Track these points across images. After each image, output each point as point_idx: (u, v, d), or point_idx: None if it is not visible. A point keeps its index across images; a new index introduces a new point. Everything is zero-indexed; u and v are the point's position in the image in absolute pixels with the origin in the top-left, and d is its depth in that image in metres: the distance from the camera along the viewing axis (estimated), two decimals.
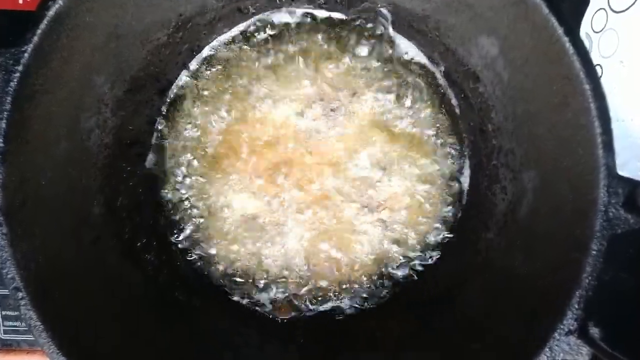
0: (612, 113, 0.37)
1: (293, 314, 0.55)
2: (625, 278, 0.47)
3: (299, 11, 0.54)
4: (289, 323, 0.55)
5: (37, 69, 0.38)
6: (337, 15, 0.54)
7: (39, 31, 0.37)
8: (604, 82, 0.50)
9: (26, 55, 0.37)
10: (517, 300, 0.42)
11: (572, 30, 0.36)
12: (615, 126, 0.37)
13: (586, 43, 0.54)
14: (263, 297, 0.55)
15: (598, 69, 0.53)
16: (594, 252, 0.36)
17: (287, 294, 0.55)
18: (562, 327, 0.36)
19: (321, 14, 0.55)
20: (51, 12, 0.37)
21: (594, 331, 0.36)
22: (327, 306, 0.55)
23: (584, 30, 0.55)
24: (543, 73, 0.39)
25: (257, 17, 0.54)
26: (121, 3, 0.43)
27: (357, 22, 0.54)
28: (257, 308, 0.55)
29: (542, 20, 0.37)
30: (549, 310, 0.37)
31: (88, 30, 0.41)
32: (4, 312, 0.59)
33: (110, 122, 0.47)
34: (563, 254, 0.38)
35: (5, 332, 0.59)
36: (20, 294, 0.37)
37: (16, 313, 0.59)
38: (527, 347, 0.37)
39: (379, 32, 0.54)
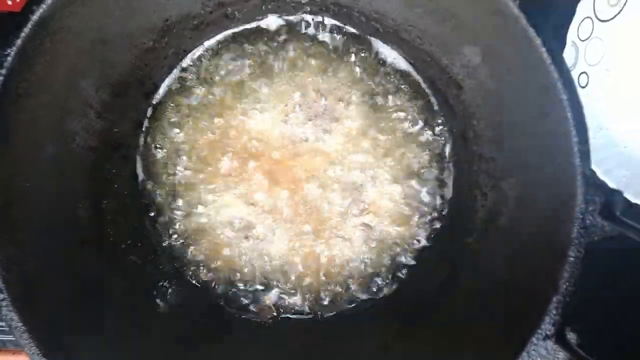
0: (598, 121, 0.37)
1: (274, 314, 0.55)
2: (602, 284, 0.47)
3: (287, 18, 0.55)
4: (275, 325, 0.55)
5: (21, 72, 0.38)
6: (325, 21, 0.55)
7: (22, 34, 0.37)
8: (590, 90, 0.51)
9: (9, 58, 0.37)
10: (497, 305, 0.42)
11: (550, 41, 0.37)
12: (600, 134, 0.37)
13: (572, 51, 0.55)
14: (248, 300, 0.55)
15: (584, 77, 0.53)
16: (572, 259, 0.37)
17: (272, 297, 0.55)
18: (539, 332, 0.36)
19: (308, 18, 0.55)
20: (35, 16, 0.37)
21: (571, 336, 0.37)
22: (311, 309, 0.55)
23: (571, 38, 0.56)
24: (523, 82, 0.40)
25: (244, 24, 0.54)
26: (106, 8, 0.43)
27: (343, 30, 0.55)
28: (241, 311, 0.55)
29: (521, 30, 0.37)
30: (527, 315, 0.38)
31: (73, 34, 0.41)
32: None
33: (96, 125, 0.48)
34: (541, 260, 0.39)
35: None
36: (1, 295, 0.37)
37: None
38: (505, 351, 0.38)
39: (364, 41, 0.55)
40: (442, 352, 0.44)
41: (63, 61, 0.41)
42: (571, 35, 0.56)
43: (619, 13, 0.50)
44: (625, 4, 0.50)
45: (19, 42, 0.37)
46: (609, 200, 0.37)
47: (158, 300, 0.51)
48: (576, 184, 0.36)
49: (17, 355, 0.59)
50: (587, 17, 0.54)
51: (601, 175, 0.37)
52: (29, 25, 0.37)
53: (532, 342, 0.36)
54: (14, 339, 0.58)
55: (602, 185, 0.37)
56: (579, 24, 0.55)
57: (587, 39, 0.54)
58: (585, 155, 0.36)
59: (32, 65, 0.39)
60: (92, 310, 0.44)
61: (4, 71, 0.37)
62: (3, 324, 0.58)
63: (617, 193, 0.37)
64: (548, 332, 0.36)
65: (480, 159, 0.49)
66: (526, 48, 0.38)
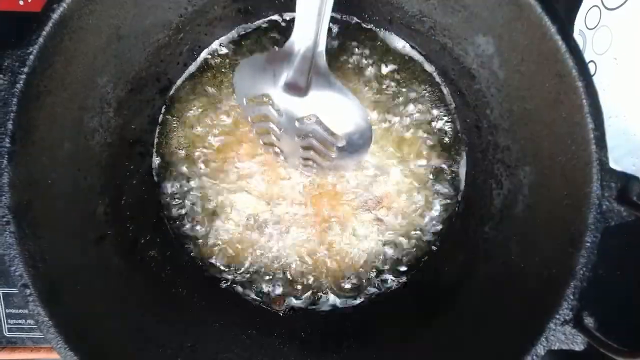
0: (606, 109, 0.37)
1: (286, 305, 0.56)
2: (619, 268, 0.48)
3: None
4: (290, 317, 0.56)
5: (42, 70, 0.38)
6: (337, 13, 0.55)
7: (43, 33, 0.37)
8: (598, 79, 0.51)
9: (31, 57, 0.37)
10: (514, 292, 0.43)
11: (565, 28, 0.37)
12: (609, 122, 0.38)
13: (580, 40, 0.55)
14: (264, 292, 0.56)
15: (592, 65, 0.54)
16: (588, 245, 0.37)
17: (286, 289, 0.56)
18: (557, 317, 0.37)
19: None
20: (55, 15, 0.38)
21: (589, 321, 0.37)
22: (330, 301, 0.56)
23: (578, 27, 0.56)
24: (537, 71, 0.40)
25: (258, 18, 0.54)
26: (122, 5, 0.43)
27: (354, 22, 0.55)
28: (258, 303, 0.56)
29: (536, 19, 0.37)
30: (545, 300, 0.38)
31: (91, 32, 0.41)
32: (7, 310, 0.59)
33: (113, 121, 0.48)
34: (558, 246, 0.39)
35: (9, 330, 0.59)
36: (28, 291, 0.37)
37: (20, 311, 0.59)
38: (524, 337, 0.38)
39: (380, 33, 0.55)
40: (461, 340, 0.45)
41: (81, 59, 0.42)
42: (578, 23, 0.56)
43: (626, 1, 0.51)
44: None
45: (40, 40, 0.37)
46: (625, 185, 0.37)
47: (179, 290, 0.51)
48: (592, 170, 0.37)
49: (35, 352, 0.60)
50: (595, 6, 0.54)
51: (611, 163, 0.38)
52: (50, 24, 0.37)
53: (550, 328, 0.37)
54: (32, 336, 0.59)
55: (618, 171, 0.37)
56: (587, 13, 0.55)
57: (594, 27, 0.54)
58: (601, 141, 0.37)
59: (52, 64, 0.39)
60: (115, 303, 0.45)
61: (26, 69, 0.37)
62: (22, 321, 0.60)
63: (634, 178, 0.37)
64: (566, 317, 0.37)
65: (495, 148, 0.49)
66: (540, 36, 0.38)
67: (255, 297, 0.56)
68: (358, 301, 0.56)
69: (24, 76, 0.37)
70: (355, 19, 0.55)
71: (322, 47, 0.38)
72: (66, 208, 0.43)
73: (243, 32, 0.55)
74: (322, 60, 0.38)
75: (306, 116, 0.41)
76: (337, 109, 0.40)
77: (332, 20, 0.55)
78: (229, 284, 0.56)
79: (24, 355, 0.60)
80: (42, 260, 0.39)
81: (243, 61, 0.42)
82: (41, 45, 0.37)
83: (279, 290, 0.56)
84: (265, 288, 0.56)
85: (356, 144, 0.43)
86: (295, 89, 0.39)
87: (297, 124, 0.42)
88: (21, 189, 0.38)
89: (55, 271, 0.40)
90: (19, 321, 0.59)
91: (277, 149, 0.48)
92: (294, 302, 0.56)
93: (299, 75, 0.38)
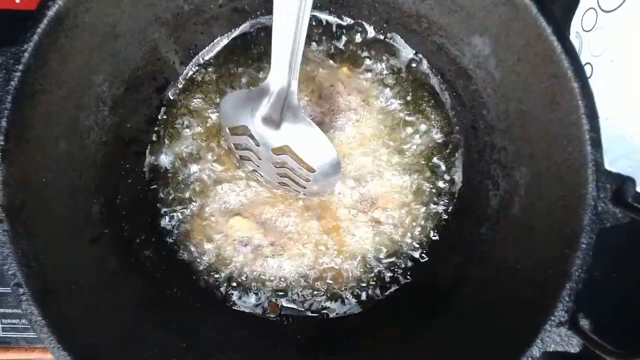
0: (602, 111, 0.37)
1: (279, 309, 0.56)
2: (614, 270, 0.48)
3: None
4: (285, 320, 0.55)
5: (37, 68, 0.38)
6: (332, 19, 0.55)
7: (38, 30, 0.37)
8: (594, 80, 0.52)
9: (26, 54, 0.37)
10: (510, 293, 0.43)
11: (561, 29, 0.37)
12: (605, 124, 0.38)
13: (576, 42, 0.55)
14: (259, 295, 0.56)
15: (588, 67, 0.54)
16: (584, 246, 0.37)
17: (281, 293, 0.56)
18: (553, 318, 0.37)
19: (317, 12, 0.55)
20: (51, 12, 0.38)
21: (584, 322, 0.37)
22: (324, 305, 0.56)
23: (574, 29, 0.56)
24: (534, 72, 0.40)
25: (254, 18, 0.54)
26: (118, 3, 0.43)
27: (352, 23, 0.55)
28: (253, 307, 0.55)
29: (532, 20, 0.38)
30: (541, 302, 0.38)
31: (86, 30, 0.41)
32: (1, 310, 0.59)
33: (108, 120, 0.48)
34: (554, 248, 0.39)
35: (3, 329, 0.59)
36: (21, 290, 0.37)
37: (14, 311, 0.59)
38: (519, 339, 0.38)
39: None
40: (458, 341, 0.45)
41: (77, 57, 0.42)
42: (575, 26, 0.56)
43: (622, 3, 0.51)
44: None
45: (35, 38, 0.37)
46: (620, 187, 0.37)
47: (174, 291, 0.51)
48: (587, 171, 0.37)
49: (29, 352, 0.60)
50: (591, 8, 0.55)
51: (607, 165, 0.38)
52: (45, 22, 0.37)
53: (545, 329, 0.37)
54: (27, 336, 0.59)
55: (613, 172, 0.37)
56: (583, 15, 0.55)
57: (591, 29, 0.54)
58: (597, 143, 0.37)
59: (48, 61, 0.39)
60: (109, 303, 0.44)
61: (21, 67, 0.37)
62: (16, 321, 0.59)
63: (629, 180, 0.37)
64: (561, 319, 0.37)
65: (491, 149, 0.49)
66: (536, 37, 0.38)
67: (249, 300, 0.56)
68: (353, 304, 0.56)
69: (18, 74, 0.37)
70: (355, 19, 0.55)
71: (294, 87, 0.43)
72: (61, 207, 0.43)
73: (239, 31, 0.55)
74: (294, 97, 0.43)
75: (281, 146, 0.46)
76: (306, 140, 0.45)
77: (329, 19, 0.55)
78: (225, 287, 0.56)
79: (18, 355, 0.60)
80: (36, 259, 0.39)
81: (227, 95, 0.47)
82: (36, 43, 0.37)
83: (272, 295, 0.56)
84: (259, 291, 0.56)
85: (326, 172, 0.48)
86: (270, 122, 0.44)
87: (272, 153, 0.47)
88: (15, 188, 0.38)
89: (49, 270, 0.40)
90: (13, 321, 0.59)
91: (257, 174, 0.53)
92: (289, 305, 0.56)
93: (274, 110, 0.44)
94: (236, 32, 0.55)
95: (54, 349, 0.37)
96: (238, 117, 0.46)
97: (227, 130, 0.48)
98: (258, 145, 0.47)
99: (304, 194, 0.54)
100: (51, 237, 0.41)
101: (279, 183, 0.52)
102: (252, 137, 0.46)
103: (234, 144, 0.50)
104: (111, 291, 0.46)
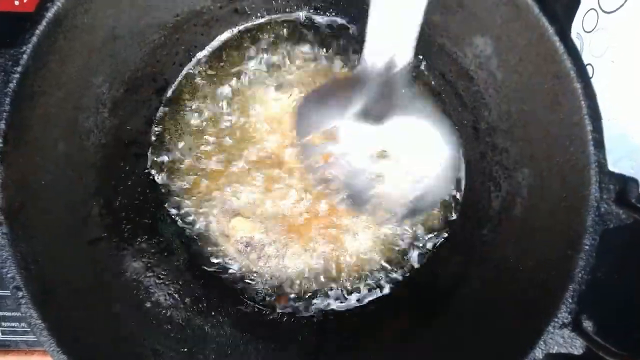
0: (604, 112, 0.37)
1: (290, 304, 0.55)
2: (617, 271, 0.48)
3: (296, 13, 0.55)
4: (287, 321, 0.55)
5: (36, 69, 0.38)
6: (336, 20, 0.55)
7: (37, 32, 0.37)
8: (595, 81, 0.51)
9: (25, 56, 0.37)
10: (513, 295, 0.43)
11: (563, 30, 0.37)
12: (607, 125, 0.37)
13: (577, 43, 0.55)
14: (261, 295, 0.56)
15: (589, 68, 0.54)
16: (587, 247, 0.37)
17: (283, 292, 0.56)
18: (556, 320, 0.36)
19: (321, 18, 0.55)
20: (49, 14, 0.37)
21: (588, 324, 0.37)
22: (325, 305, 0.55)
23: (575, 30, 0.56)
24: (536, 72, 0.40)
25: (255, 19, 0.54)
26: (118, 4, 0.43)
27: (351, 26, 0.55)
28: (256, 305, 0.55)
29: (534, 20, 0.37)
30: (543, 304, 0.38)
31: (86, 31, 0.41)
32: (1, 313, 0.59)
33: (108, 122, 0.48)
34: (557, 249, 0.39)
35: (3, 333, 0.59)
36: (20, 293, 0.37)
37: (14, 314, 0.59)
38: (522, 340, 0.38)
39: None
40: (459, 341, 0.44)
41: (76, 58, 0.41)
42: (576, 26, 0.56)
43: (623, 4, 0.51)
44: None
45: (34, 39, 0.37)
46: (624, 187, 0.37)
47: (175, 293, 0.51)
48: (590, 172, 0.37)
49: (29, 356, 0.60)
50: (592, 9, 0.55)
51: (610, 165, 0.38)
52: (44, 23, 0.37)
53: (548, 331, 0.36)
54: (26, 339, 0.59)
55: (616, 173, 0.37)
56: (584, 16, 0.55)
57: (592, 30, 0.54)
58: (600, 143, 0.37)
59: (47, 63, 0.39)
60: (110, 306, 0.44)
61: (19, 69, 0.37)
62: (15, 324, 0.59)
63: (632, 180, 0.37)
64: (565, 321, 0.36)
65: (493, 150, 0.49)
66: (538, 37, 0.38)
67: (252, 301, 0.56)
68: (354, 304, 0.55)
69: (17, 75, 0.37)
70: (354, 23, 0.55)
71: (407, 61, 0.31)
72: (60, 209, 0.43)
73: (239, 32, 0.55)
74: (404, 81, 0.31)
75: (378, 152, 0.35)
76: (421, 136, 0.33)
77: (329, 21, 0.55)
78: (228, 287, 0.56)
79: (18, 358, 0.60)
80: (35, 262, 0.39)
81: (307, 95, 0.37)
82: (35, 45, 0.37)
83: (275, 295, 0.56)
84: (263, 291, 0.56)
85: (441, 179, 0.34)
86: (371, 116, 0.33)
87: (369, 161, 0.36)
88: (14, 190, 0.38)
89: (48, 273, 0.39)
90: (13, 324, 0.59)
91: (332, 188, 0.43)
92: (291, 305, 0.56)
93: (374, 102, 0.32)
94: (236, 34, 0.55)
95: (54, 352, 0.37)
96: (324, 119, 0.36)
97: (305, 141, 0.39)
98: (349, 153, 0.36)
99: (397, 217, 0.43)
100: (50, 240, 0.41)
101: (366, 202, 0.42)
102: (342, 142, 0.36)
103: (308, 161, 0.41)
104: (111, 293, 0.46)
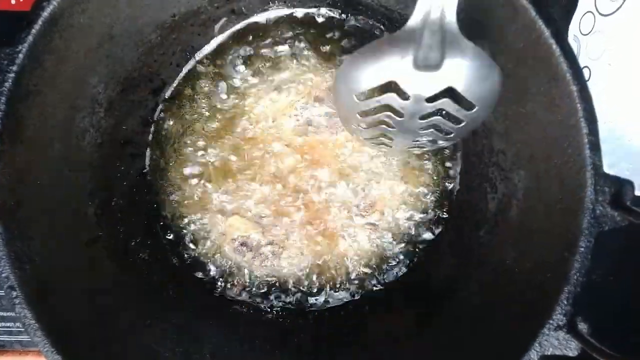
0: (601, 115, 0.37)
1: (281, 312, 0.55)
2: (612, 273, 0.48)
3: (293, 13, 0.55)
4: (282, 321, 0.55)
5: (32, 69, 0.38)
6: (333, 14, 0.55)
7: (33, 31, 0.37)
8: (592, 84, 0.52)
9: (21, 55, 0.37)
10: (508, 297, 0.43)
11: (560, 32, 0.37)
12: (603, 128, 0.38)
13: (574, 45, 0.55)
14: (258, 297, 0.55)
15: (586, 71, 0.54)
16: (582, 249, 0.37)
17: (278, 292, 0.55)
18: (551, 322, 0.36)
19: (314, 12, 0.55)
20: (45, 13, 0.37)
21: (582, 326, 0.37)
22: (321, 305, 0.55)
23: (572, 32, 0.56)
24: (532, 75, 0.40)
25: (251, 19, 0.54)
26: (114, 4, 0.43)
27: (348, 27, 0.55)
28: (250, 306, 0.55)
29: (530, 22, 0.37)
30: (539, 305, 0.38)
31: (82, 31, 0.41)
32: None
33: (104, 122, 0.48)
34: (552, 251, 0.39)
35: None
36: (14, 293, 0.37)
37: (9, 314, 0.58)
38: (517, 342, 0.38)
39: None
40: (454, 343, 0.44)
41: (72, 58, 0.41)
42: (573, 29, 0.56)
43: (620, 7, 0.51)
44: None
45: (30, 39, 0.37)
46: (619, 190, 0.37)
47: (170, 293, 0.51)
48: (586, 174, 0.37)
49: (24, 356, 0.59)
50: (589, 12, 0.55)
51: (606, 168, 0.38)
52: (40, 23, 0.37)
53: (543, 333, 0.36)
54: (21, 339, 0.59)
55: (611, 176, 0.37)
56: (581, 18, 0.56)
57: (588, 33, 0.54)
58: (595, 146, 0.37)
59: (42, 62, 0.39)
60: (104, 306, 0.44)
61: (15, 68, 0.37)
62: (10, 324, 0.59)
63: (628, 183, 0.37)
64: (560, 323, 0.36)
65: (490, 152, 0.49)
66: (535, 40, 0.38)
67: (247, 300, 0.56)
68: (349, 304, 0.55)
69: (12, 74, 0.37)
70: (351, 22, 0.55)
71: (452, 13, 0.35)
72: (56, 209, 0.43)
73: (236, 32, 0.55)
74: (454, 25, 0.35)
75: (439, 92, 0.38)
76: (473, 72, 0.37)
77: (327, 22, 0.55)
78: (222, 287, 0.55)
79: (12, 358, 0.59)
80: (30, 261, 0.38)
81: (351, 56, 0.39)
82: (31, 44, 0.37)
83: (270, 294, 0.56)
84: (257, 291, 0.55)
85: (487, 103, 0.39)
86: (428, 66, 0.36)
87: (426, 104, 0.39)
88: (9, 189, 0.38)
89: (43, 273, 0.39)
90: (8, 324, 0.59)
91: (386, 140, 0.47)
92: (287, 305, 0.55)
93: (430, 50, 0.35)
94: (233, 33, 0.55)
95: (48, 353, 0.37)
96: (377, 75, 0.38)
97: (355, 99, 0.40)
98: (407, 99, 0.39)
99: (448, 141, 0.46)
100: (46, 240, 0.41)
101: (415, 141, 0.45)
102: (399, 92, 0.38)
103: (362, 112, 0.43)
104: (107, 294, 0.45)
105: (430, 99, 0.39)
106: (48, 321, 0.37)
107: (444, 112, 0.40)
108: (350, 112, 0.43)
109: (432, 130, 0.43)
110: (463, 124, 0.41)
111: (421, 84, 0.37)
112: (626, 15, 0.50)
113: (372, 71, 0.38)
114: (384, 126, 0.44)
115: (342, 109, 0.44)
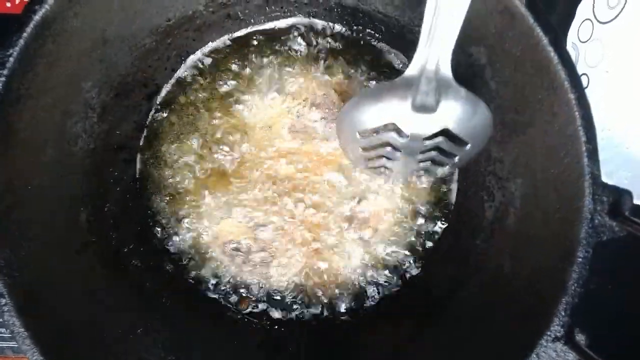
0: (599, 123, 0.37)
1: (272, 321, 0.55)
2: (611, 284, 0.47)
3: (289, 19, 0.55)
4: (276, 330, 0.54)
5: (23, 73, 0.37)
6: (330, 22, 0.55)
7: (24, 35, 0.37)
8: (590, 91, 0.51)
9: (12, 59, 0.36)
10: (505, 307, 0.42)
11: (558, 39, 0.37)
12: (601, 135, 0.37)
13: (572, 53, 0.55)
14: (251, 305, 0.55)
15: (584, 78, 0.53)
16: (580, 260, 0.36)
17: (271, 302, 0.55)
18: (548, 333, 0.36)
19: (310, 20, 0.55)
20: (37, 16, 0.37)
21: (580, 337, 0.37)
22: (313, 314, 0.55)
23: (571, 40, 0.56)
24: (530, 83, 0.40)
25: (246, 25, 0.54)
26: (109, 8, 0.42)
27: (346, 32, 0.55)
28: (244, 315, 0.55)
29: (528, 29, 0.37)
30: (536, 316, 0.37)
31: (75, 35, 0.41)
32: None
33: (97, 127, 0.47)
34: (550, 261, 0.39)
35: None
36: (3, 300, 0.36)
37: None
38: (514, 354, 0.37)
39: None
40: (451, 354, 0.44)
41: (65, 62, 0.41)
42: (571, 36, 0.56)
43: (618, 15, 0.51)
44: (624, 6, 0.50)
45: (21, 42, 0.36)
46: (617, 199, 0.36)
47: (163, 300, 0.50)
48: (584, 183, 0.36)
49: None
50: (587, 19, 0.55)
51: (604, 176, 0.37)
52: (31, 26, 0.37)
53: (541, 344, 0.36)
54: (13, 345, 0.58)
55: (610, 185, 0.37)
56: (579, 26, 0.55)
57: (587, 40, 0.54)
58: (593, 154, 0.36)
59: (34, 66, 0.38)
60: (95, 314, 0.43)
61: (5, 72, 0.36)
62: (2, 330, 0.58)
63: (626, 192, 0.37)
64: (557, 334, 0.36)
65: (487, 160, 0.49)
66: (533, 47, 0.38)
67: (237, 307, 0.55)
68: (345, 312, 0.55)
69: (3, 79, 0.36)
70: (348, 29, 0.55)
71: (449, 55, 0.39)
72: (47, 215, 0.42)
73: (231, 38, 0.55)
74: (449, 74, 0.39)
75: (437, 132, 0.42)
76: (466, 114, 0.40)
77: (323, 28, 0.55)
78: (214, 294, 0.55)
79: None
80: (20, 268, 0.38)
81: (354, 98, 0.43)
82: (22, 48, 0.36)
83: (263, 305, 0.55)
84: (248, 297, 0.55)
85: (479, 140, 0.43)
86: (425, 108, 0.40)
87: (423, 142, 0.43)
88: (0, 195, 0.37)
89: (33, 280, 0.39)
90: None
91: (386, 172, 0.51)
92: (279, 314, 0.55)
93: (426, 96, 0.40)
94: (229, 39, 0.55)
95: None
96: (379, 116, 0.42)
97: (358, 135, 0.44)
98: (405, 138, 0.43)
99: (445, 172, 0.50)
100: (36, 246, 0.40)
101: (414, 172, 0.50)
102: (398, 131, 0.43)
103: (364, 147, 0.47)
104: (98, 301, 0.45)
105: (427, 137, 0.42)
106: (37, 329, 0.37)
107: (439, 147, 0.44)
108: (352, 146, 0.47)
109: (429, 163, 0.47)
110: (457, 157, 0.45)
111: (418, 125, 0.41)
112: (624, 23, 0.50)
113: (374, 112, 0.42)
114: (384, 159, 0.48)
115: (345, 144, 0.48)
